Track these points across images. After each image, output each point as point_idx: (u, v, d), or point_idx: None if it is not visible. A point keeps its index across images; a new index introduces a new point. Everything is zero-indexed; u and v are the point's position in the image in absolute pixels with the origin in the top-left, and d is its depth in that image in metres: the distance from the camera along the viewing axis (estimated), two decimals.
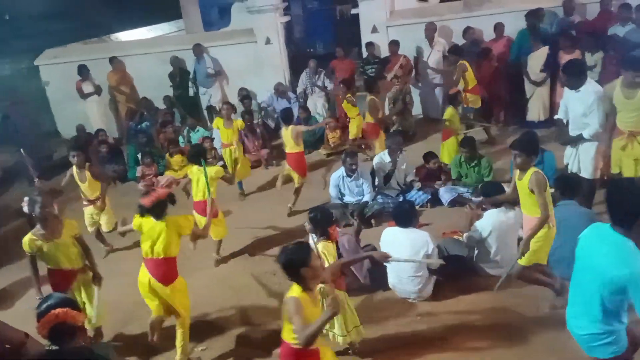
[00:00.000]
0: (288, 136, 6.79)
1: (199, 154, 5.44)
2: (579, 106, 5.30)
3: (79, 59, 10.50)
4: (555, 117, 6.39)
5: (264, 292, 5.28)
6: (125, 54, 10.56)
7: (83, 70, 9.89)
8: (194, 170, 5.63)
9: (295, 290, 3.06)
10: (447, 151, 7.39)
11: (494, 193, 5.07)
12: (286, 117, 7.08)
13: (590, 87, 5.26)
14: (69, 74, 10.02)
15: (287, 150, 6.91)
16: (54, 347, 2.69)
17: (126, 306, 5.26)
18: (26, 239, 4.22)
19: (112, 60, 10.13)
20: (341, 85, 8.43)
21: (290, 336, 3.05)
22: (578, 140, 5.43)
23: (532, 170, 4.10)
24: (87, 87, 9.90)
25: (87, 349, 2.73)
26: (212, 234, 5.54)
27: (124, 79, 10.19)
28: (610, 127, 5.30)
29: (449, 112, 7.46)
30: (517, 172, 4.29)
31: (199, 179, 5.50)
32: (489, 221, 4.97)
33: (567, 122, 5.64)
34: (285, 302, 3.07)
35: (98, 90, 9.98)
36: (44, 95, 10.93)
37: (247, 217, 6.94)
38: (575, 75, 5.28)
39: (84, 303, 4.41)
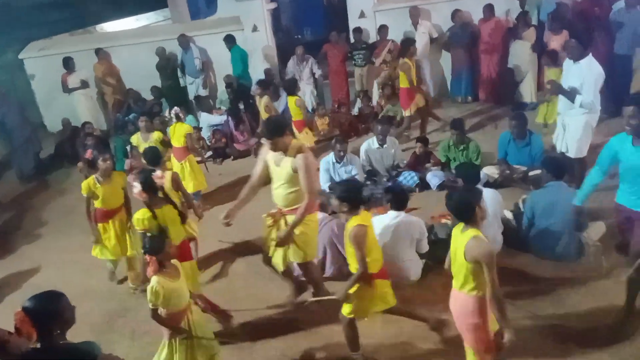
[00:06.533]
0: None
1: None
2: (575, 79, 5.27)
3: (64, 51, 10.35)
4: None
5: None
6: (111, 45, 10.41)
7: (69, 63, 9.75)
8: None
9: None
10: None
11: (471, 175, 5.06)
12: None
13: (591, 63, 5.21)
14: (55, 67, 9.88)
15: None
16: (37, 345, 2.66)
17: (120, 296, 5.32)
18: None
19: (98, 51, 10.00)
20: (255, 87, 8.23)
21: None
22: (570, 96, 5.30)
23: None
24: (73, 80, 9.78)
25: (70, 346, 2.69)
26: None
27: (111, 70, 10.07)
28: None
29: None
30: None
31: None
32: None
33: None
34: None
35: (84, 85, 9.85)
36: (29, 89, 10.80)
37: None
38: (583, 43, 5.23)
39: None
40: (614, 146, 3.83)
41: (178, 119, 6.99)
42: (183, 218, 4.46)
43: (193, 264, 4.63)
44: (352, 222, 3.59)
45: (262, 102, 7.78)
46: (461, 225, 3.21)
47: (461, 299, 3.25)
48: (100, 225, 5.22)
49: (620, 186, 3.97)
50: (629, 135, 3.67)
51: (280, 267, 4.35)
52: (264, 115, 7.83)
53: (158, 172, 4.24)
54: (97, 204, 5.20)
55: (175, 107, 7.15)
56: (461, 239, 3.14)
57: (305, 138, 7.65)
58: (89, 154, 5.29)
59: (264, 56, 10.20)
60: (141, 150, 6.62)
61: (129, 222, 5.16)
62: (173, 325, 3.64)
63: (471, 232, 3.10)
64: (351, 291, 3.70)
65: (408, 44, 7.88)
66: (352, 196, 3.64)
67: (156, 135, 6.97)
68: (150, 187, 4.17)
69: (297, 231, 4.14)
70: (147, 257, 3.56)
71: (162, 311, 3.61)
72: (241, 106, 9.15)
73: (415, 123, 8.24)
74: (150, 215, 4.17)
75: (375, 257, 3.71)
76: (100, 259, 5.42)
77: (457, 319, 3.35)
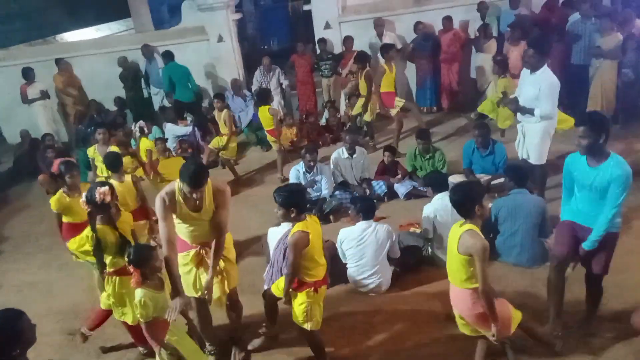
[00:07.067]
0: None
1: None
2: (531, 89, 5.36)
3: (23, 61, 10.12)
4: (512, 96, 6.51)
5: None
6: (72, 55, 10.26)
7: (29, 73, 9.53)
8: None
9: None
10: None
11: (440, 183, 5.17)
12: None
13: (546, 73, 5.30)
14: (14, 78, 9.64)
15: None
16: None
17: (84, 314, 5.12)
18: None
19: (59, 61, 9.80)
20: (216, 101, 8.06)
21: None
22: (529, 111, 5.41)
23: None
24: (33, 91, 9.53)
25: None
26: None
27: (72, 81, 9.88)
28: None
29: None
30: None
31: None
32: (433, 206, 5.07)
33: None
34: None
35: (44, 95, 9.62)
36: None
37: None
38: (539, 53, 5.27)
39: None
40: (569, 166, 3.84)
41: (142, 132, 6.89)
42: (123, 244, 3.98)
43: None
44: (295, 228, 3.59)
45: (221, 116, 7.73)
46: (461, 221, 3.29)
47: (459, 293, 3.32)
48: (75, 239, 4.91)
49: (572, 203, 3.90)
50: (583, 155, 3.66)
51: (224, 301, 4.03)
52: (223, 128, 7.78)
53: (103, 188, 3.96)
54: (66, 218, 5.00)
55: (140, 121, 7.02)
56: (457, 232, 3.22)
57: (285, 138, 7.86)
58: (55, 167, 5.05)
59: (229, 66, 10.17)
60: (97, 164, 6.40)
61: None
62: (162, 339, 3.56)
63: (467, 226, 3.19)
64: (302, 306, 3.69)
65: (388, 48, 8.02)
66: (297, 201, 3.64)
67: (113, 149, 6.47)
68: (91, 200, 3.96)
69: (230, 257, 4.02)
70: (131, 268, 3.46)
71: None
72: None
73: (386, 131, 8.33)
74: (92, 234, 4.00)
75: (320, 263, 3.71)
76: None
77: (462, 312, 3.41)
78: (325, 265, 3.81)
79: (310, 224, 3.64)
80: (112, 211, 4.06)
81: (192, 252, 3.85)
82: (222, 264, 3.90)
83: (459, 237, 3.18)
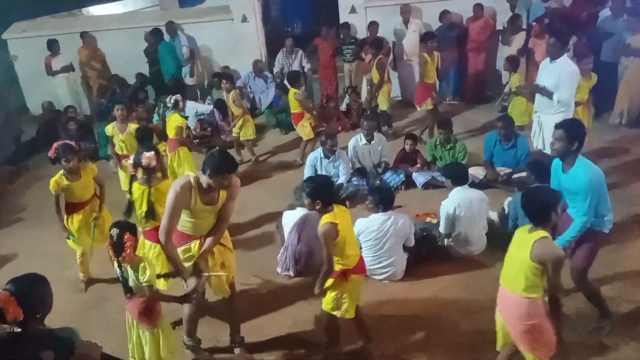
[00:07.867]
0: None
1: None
2: (550, 78, 5.34)
3: (48, 33, 10.17)
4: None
5: None
6: (97, 29, 10.25)
7: (53, 45, 9.56)
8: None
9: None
10: None
11: (457, 174, 5.12)
12: None
13: (566, 61, 5.30)
14: (39, 49, 9.70)
15: None
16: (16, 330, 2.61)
17: (96, 286, 5.22)
18: None
19: (83, 35, 9.81)
20: (224, 82, 7.92)
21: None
22: (546, 93, 5.39)
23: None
24: (57, 63, 9.59)
25: (48, 331, 2.66)
26: None
27: (95, 55, 9.90)
28: None
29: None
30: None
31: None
32: (453, 199, 5.03)
33: None
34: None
35: (68, 69, 9.67)
36: (12, 71, 10.58)
37: None
38: (561, 41, 5.27)
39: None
40: (554, 167, 3.90)
41: (176, 106, 6.68)
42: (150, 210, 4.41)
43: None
44: (323, 220, 3.57)
45: (230, 97, 7.69)
46: (528, 226, 3.20)
47: (515, 301, 3.20)
48: (72, 216, 5.01)
49: None
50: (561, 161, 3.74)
51: (228, 290, 3.95)
52: (234, 109, 7.74)
53: (148, 153, 4.34)
54: (66, 198, 5.00)
55: (177, 95, 6.80)
56: (527, 238, 3.11)
57: (302, 130, 7.60)
58: (51, 152, 4.83)
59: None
60: (115, 141, 6.36)
61: (99, 212, 5.06)
62: (172, 297, 3.77)
63: (541, 232, 3.09)
64: (332, 293, 3.70)
65: (428, 37, 7.92)
66: (323, 193, 3.61)
67: (134, 127, 6.36)
68: (137, 163, 4.44)
69: (229, 246, 4.00)
70: (126, 236, 3.44)
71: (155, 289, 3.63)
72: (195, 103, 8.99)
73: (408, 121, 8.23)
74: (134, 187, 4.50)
75: (351, 253, 3.69)
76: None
77: (510, 321, 3.29)
78: (358, 255, 3.80)
79: (339, 214, 3.61)
80: (153, 176, 4.51)
81: (195, 243, 3.76)
82: (224, 253, 3.88)
83: (531, 243, 3.06)
